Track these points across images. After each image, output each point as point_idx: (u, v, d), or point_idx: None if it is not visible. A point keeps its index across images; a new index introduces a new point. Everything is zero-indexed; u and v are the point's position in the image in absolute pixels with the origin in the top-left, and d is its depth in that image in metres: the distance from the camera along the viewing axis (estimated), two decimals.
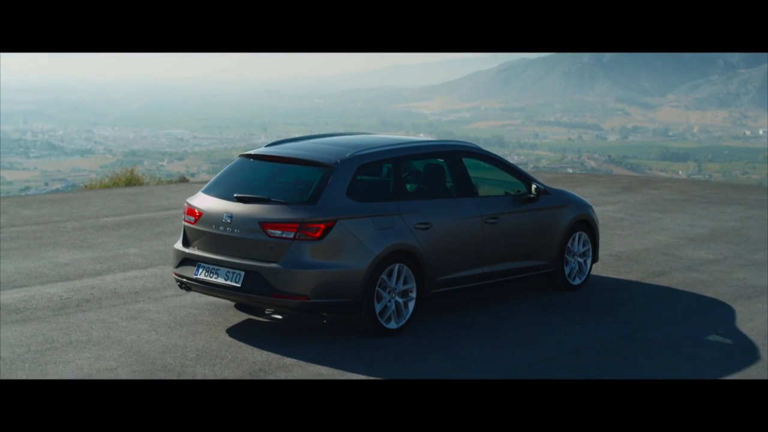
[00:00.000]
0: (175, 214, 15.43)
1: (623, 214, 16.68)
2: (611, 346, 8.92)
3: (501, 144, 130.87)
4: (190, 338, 8.76)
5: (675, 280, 11.55)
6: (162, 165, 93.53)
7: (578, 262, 10.94)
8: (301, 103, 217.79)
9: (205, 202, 9.06)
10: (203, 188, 9.33)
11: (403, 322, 9.04)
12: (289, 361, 8.20)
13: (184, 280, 9.05)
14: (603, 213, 16.13)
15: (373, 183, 9.30)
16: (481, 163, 10.30)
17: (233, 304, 9.86)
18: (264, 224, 8.52)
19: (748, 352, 8.83)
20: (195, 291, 9.09)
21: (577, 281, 10.93)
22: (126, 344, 8.53)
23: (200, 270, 8.88)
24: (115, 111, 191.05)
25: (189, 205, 9.19)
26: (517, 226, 10.13)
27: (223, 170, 9.49)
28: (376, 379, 7.82)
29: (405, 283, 9.02)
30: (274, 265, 8.46)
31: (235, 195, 8.84)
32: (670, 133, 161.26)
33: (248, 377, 7.77)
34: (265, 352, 8.40)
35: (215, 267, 8.78)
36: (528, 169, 25.67)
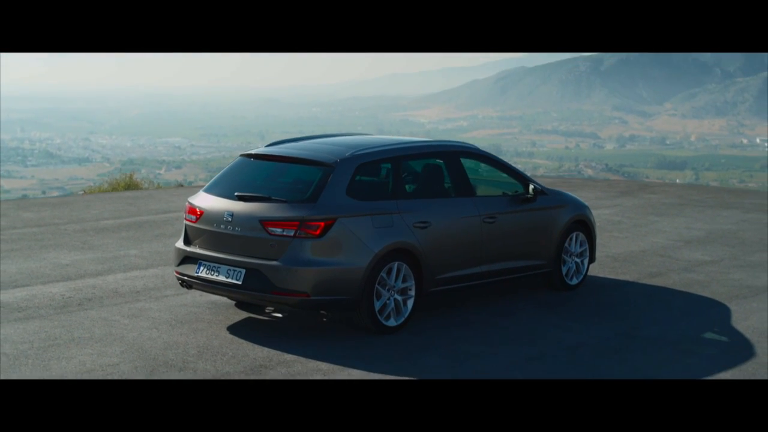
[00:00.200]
0: (174, 217, 15.52)
1: (620, 217, 16.78)
2: (608, 343, 9.02)
3: (498, 152, 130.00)
4: (191, 335, 8.85)
5: (671, 281, 11.65)
6: (159, 173, 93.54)
7: (575, 262, 11.04)
8: (298, 112, 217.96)
9: (206, 201, 9.15)
10: (204, 187, 9.43)
11: (402, 319, 9.13)
12: (289, 357, 8.29)
13: (186, 278, 9.14)
14: (600, 216, 16.22)
15: (372, 182, 9.40)
16: (479, 163, 10.42)
17: (234, 302, 9.95)
18: (265, 222, 8.62)
19: (743, 349, 8.92)
20: (196, 289, 9.18)
21: (575, 281, 11.03)
22: (128, 341, 8.62)
23: (201, 268, 8.97)
24: (112, 119, 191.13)
25: (190, 204, 9.29)
26: (515, 226, 10.24)
27: (223, 170, 9.60)
28: (376, 374, 7.90)
29: (404, 281, 9.11)
30: (274, 262, 8.56)
31: (235, 194, 8.94)
32: (668, 142, 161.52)
33: (249, 372, 7.85)
34: (265, 349, 8.49)
35: (216, 265, 8.87)
36: None
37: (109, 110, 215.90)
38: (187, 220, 9.28)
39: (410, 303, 9.19)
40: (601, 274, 11.87)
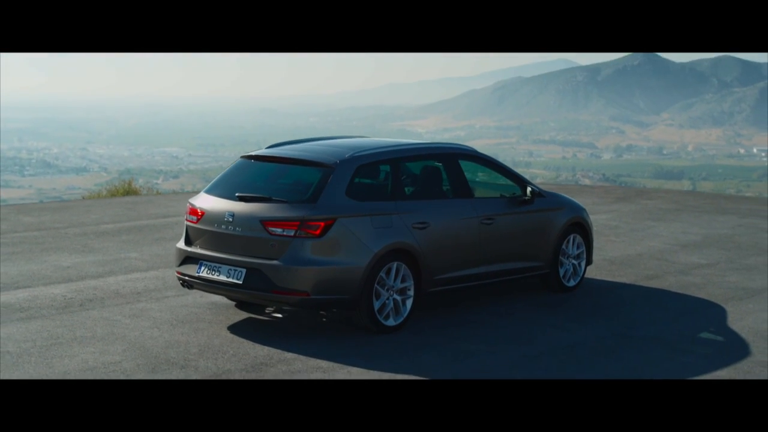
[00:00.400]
0: (174, 221, 15.61)
1: (617, 222, 16.88)
2: (604, 343, 9.11)
3: None
4: (192, 335, 8.93)
5: (668, 283, 11.75)
6: (157, 183, 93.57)
7: (572, 264, 11.13)
8: (296, 122, 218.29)
9: (207, 201, 9.25)
10: (205, 188, 9.52)
11: (401, 319, 9.22)
12: (289, 355, 8.37)
13: (187, 278, 9.23)
14: (597, 221, 16.32)
15: (371, 183, 9.51)
16: (478, 165, 10.52)
17: (234, 303, 10.04)
18: (265, 222, 8.71)
19: (738, 348, 9.01)
20: (197, 289, 9.27)
21: (572, 283, 11.12)
22: (130, 340, 8.70)
23: (202, 268, 9.06)
24: (110, 129, 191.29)
25: (191, 205, 9.38)
26: (513, 228, 10.33)
27: (224, 171, 9.69)
28: (375, 371, 7.99)
29: (403, 281, 9.20)
30: (275, 262, 8.65)
31: (236, 194, 9.03)
32: (665, 152, 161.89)
33: (250, 370, 7.93)
34: (266, 347, 8.57)
35: (217, 265, 8.96)
36: None
37: (106, 120, 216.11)
38: (188, 220, 9.37)
39: (409, 303, 9.28)
40: (597, 277, 11.97)
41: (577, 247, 11.17)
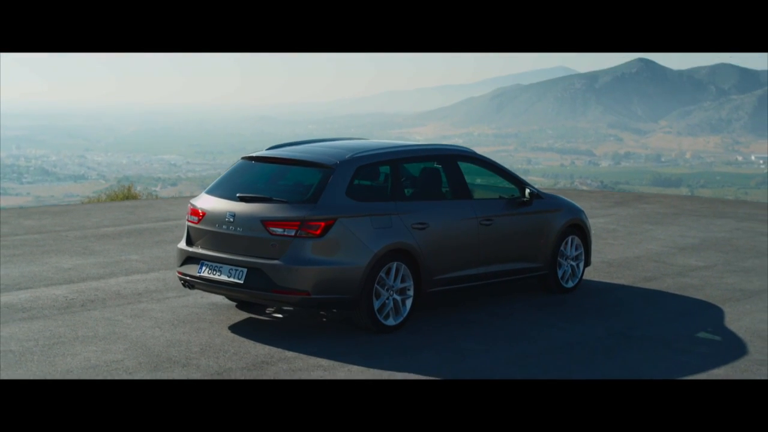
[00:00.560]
0: (174, 225, 15.67)
1: (615, 225, 16.96)
2: (603, 342, 9.17)
3: None
4: (193, 334, 8.99)
5: (666, 285, 11.82)
6: (155, 190, 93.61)
7: (571, 265, 11.20)
8: (295, 129, 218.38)
9: (208, 202, 9.31)
10: (206, 189, 9.59)
11: (401, 319, 9.28)
12: (290, 354, 8.43)
13: (188, 278, 9.29)
14: (596, 225, 16.39)
15: (371, 184, 9.58)
16: (476, 167, 10.59)
17: (235, 303, 10.10)
18: (266, 222, 8.78)
19: (736, 348, 9.07)
20: (198, 289, 9.32)
21: (570, 284, 11.19)
22: (131, 339, 8.76)
23: (203, 268, 9.12)
24: (108, 137, 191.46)
25: (192, 205, 9.45)
26: (511, 229, 10.40)
27: (225, 172, 9.76)
28: (375, 370, 8.05)
29: (403, 281, 9.26)
30: (275, 262, 8.71)
31: (237, 195, 9.10)
32: (663, 159, 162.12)
33: (251, 368, 7.99)
34: (267, 347, 8.63)
35: (218, 265, 9.02)
36: None
37: (105, 127, 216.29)
38: (189, 221, 9.43)
39: (409, 303, 9.34)
40: (596, 278, 12.03)
41: (576, 249, 11.24)
